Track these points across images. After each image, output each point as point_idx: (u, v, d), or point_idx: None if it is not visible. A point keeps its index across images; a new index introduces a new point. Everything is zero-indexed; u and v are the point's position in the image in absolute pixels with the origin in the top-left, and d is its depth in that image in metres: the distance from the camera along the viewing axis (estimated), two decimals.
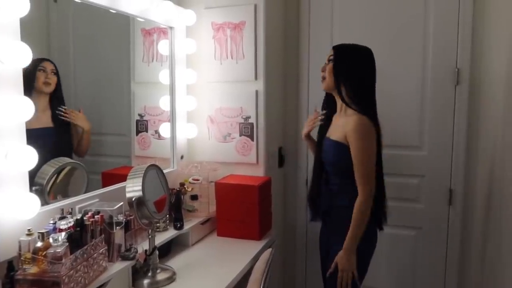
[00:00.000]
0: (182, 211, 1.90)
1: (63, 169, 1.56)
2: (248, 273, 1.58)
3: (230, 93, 2.21)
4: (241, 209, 1.96)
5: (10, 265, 1.17)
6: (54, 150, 1.58)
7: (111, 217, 1.44)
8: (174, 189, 1.91)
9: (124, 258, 1.47)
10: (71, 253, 1.21)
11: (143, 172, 1.48)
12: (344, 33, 2.36)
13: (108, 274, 1.36)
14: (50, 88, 1.56)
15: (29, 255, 1.16)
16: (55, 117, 1.60)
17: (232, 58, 2.18)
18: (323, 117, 1.84)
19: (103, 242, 1.38)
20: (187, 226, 1.90)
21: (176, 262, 1.72)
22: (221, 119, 2.24)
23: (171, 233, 1.81)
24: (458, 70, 2.20)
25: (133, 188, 1.45)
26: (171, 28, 2.12)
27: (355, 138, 1.59)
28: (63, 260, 1.16)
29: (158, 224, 1.79)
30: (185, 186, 1.98)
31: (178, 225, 1.85)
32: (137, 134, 2.11)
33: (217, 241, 1.99)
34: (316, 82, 2.33)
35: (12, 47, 1.18)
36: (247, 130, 2.19)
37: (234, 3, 2.15)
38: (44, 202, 1.40)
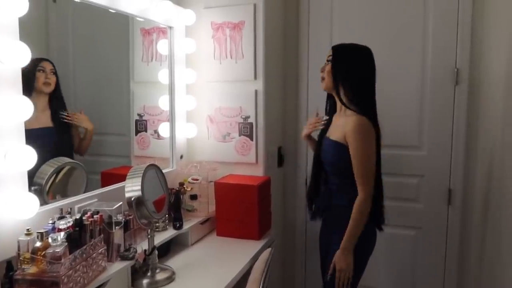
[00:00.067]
0: (182, 210, 1.90)
1: (62, 169, 1.56)
2: (248, 273, 1.59)
3: (230, 93, 2.20)
4: (241, 208, 1.96)
5: (9, 265, 1.17)
6: (54, 150, 1.58)
7: (110, 217, 1.44)
8: (173, 188, 1.91)
9: (123, 258, 1.46)
10: (70, 253, 1.20)
11: (142, 172, 1.48)
12: (343, 33, 2.36)
13: (107, 274, 1.36)
14: (50, 88, 1.56)
15: (28, 255, 1.16)
16: (54, 117, 1.60)
17: (231, 57, 2.18)
18: (325, 121, 1.84)
19: (102, 242, 1.38)
20: (186, 226, 1.90)
21: (175, 262, 1.72)
22: (220, 118, 2.24)
23: (170, 233, 1.81)
24: (457, 70, 2.20)
25: (132, 188, 1.45)
26: (170, 27, 2.12)
27: (354, 139, 1.60)
28: (62, 260, 1.16)
29: (157, 224, 1.79)
30: (184, 186, 1.98)
31: (178, 225, 1.85)
32: (136, 134, 2.11)
33: (217, 241, 1.99)
34: (315, 81, 2.33)
35: (11, 46, 1.18)
36: (247, 129, 2.19)
37: (234, 2, 2.14)
38: (43, 202, 1.39)
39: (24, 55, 1.20)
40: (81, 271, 1.24)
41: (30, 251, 1.17)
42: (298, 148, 2.55)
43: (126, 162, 2.06)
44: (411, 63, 2.28)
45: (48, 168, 1.49)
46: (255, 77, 2.15)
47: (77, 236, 1.30)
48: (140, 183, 1.45)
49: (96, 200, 1.57)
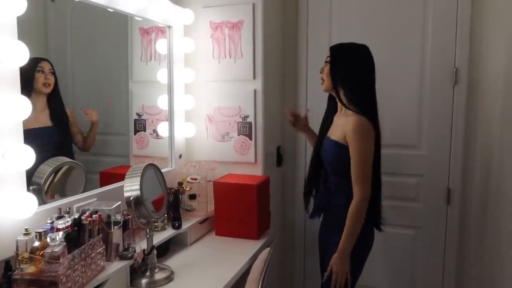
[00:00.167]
0: (180, 210, 1.90)
1: (60, 168, 1.56)
2: (247, 272, 1.59)
3: (228, 92, 2.20)
4: (240, 208, 1.96)
5: (8, 265, 1.16)
6: (53, 149, 1.58)
7: (109, 216, 1.43)
8: (172, 188, 1.91)
9: (122, 257, 1.46)
10: (68, 253, 1.20)
11: (141, 171, 1.48)
12: (342, 33, 2.36)
13: (106, 274, 1.35)
14: (49, 89, 1.56)
15: (26, 255, 1.16)
16: (53, 116, 1.60)
17: (230, 57, 2.18)
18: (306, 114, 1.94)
19: (101, 242, 1.38)
20: (185, 225, 1.89)
21: (174, 261, 1.72)
22: (219, 118, 2.23)
23: (169, 232, 1.81)
24: (456, 69, 2.21)
25: (131, 187, 1.45)
26: (169, 27, 2.12)
27: (354, 139, 1.60)
28: (61, 260, 1.16)
29: (156, 224, 1.79)
30: (183, 186, 1.97)
31: (176, 224, 1.85)
32: (135, 133, 2.11)
33: (216, 240, 1.99)
34: (314, 81, 2.34)
35: (9, 46, 1.17)
36: (246, 129, 2.18)
37: (232, 2, 2.14)
38: (42, 202, 1.39)
39: (22, 54, 1.20)
40: (79, 270, 1.24)
41: (28, 250, 1.17)
42: (297, 148, 2.55)
43: (125, 161, 2.06)
44: (410, 63, 2.28)
45: (47, 167, 1.48)
46: (254, 77, 2.15)
47: (76, 235, 1.30)
48: (139, 183, 1.45)
49: (94, 199, 1.57)
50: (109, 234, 1.43)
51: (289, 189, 2.59)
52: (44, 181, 1.46)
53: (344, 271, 1.61)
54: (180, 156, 2.24)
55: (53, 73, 1.56)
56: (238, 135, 2.20)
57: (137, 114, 2.11)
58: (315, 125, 1.93)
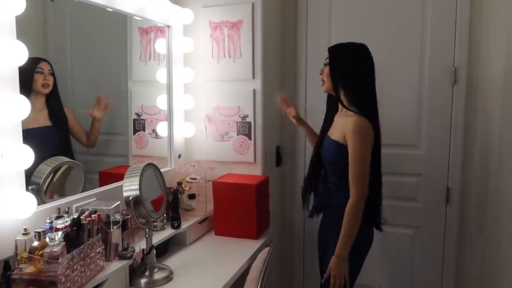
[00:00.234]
0: (180, 210, 1.90)
1: (59, 168, 1.56)
2: (246, 272, 1.59)
3: (228, 92, 2.20)
4: (239, 208, 1.96)
5: (7, 265, 1.16)
6: (52, 149, 1.58)
7: (108, 216, 1.43)
8: (171, 188, 1.91)
9: (121, 257, 1.46)
10: (67, 253, 1.20)
11: (140, 171, 1.48)
12: (341, 32, 2.36)
13: (105, 274, 1.35)
14: (48, 90, 1.56)
15: (25, 255, 1.16)
16: (52, 116, 1.60)
17: (229, 57, 2.18)
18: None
19: (100, 241, 1.37)
20: (184, 225, 1.89)
21: (173, 261, 1.72)
22: (218, 118, 2.23)
23: (168, 232, 1.81)
24: (455, 69, 2.21)
25: (130, 187, 1.45)
26: (168, 26, 2.12)
27: (352, 139, 1.60)
28: (60, 260, 1.15)
29: (155, 223, 1.79)
30: (182, 185, 1.97)
31: (176, 224, 1.85)
32: (134, 133, 2.11)
33: (215, 240, 1.99)
34: (313, 80, 2.34)
35: (8, 45, 1.17)
36: (245, 129, 2.18)
37: (232, 1, 2.14)
38: (41, 201, 1.39)
39: (21, 54, 1.20)
40: (78, 270, 1.24)
41: (27, 250, 1.16)
42: (297, 147, 2.55)
43: (124, 161, 2.06)
44: (410, 62, 2.28)
45: (46, 167, 1.48)
46: (253, 76, 2.15)
47: (75, 235, 1.29)
48: (138, 183, 1.45)
49: (94, 199, 1.57)
50: (108, 234, 1.42)
51: (289, 189, 2.59)
52: (43, 181, 1.46)
53: (342, 275, 1.60)
54: (179, 156, 2.23)
55: (52, 74, 1.56)
56: (237, 135, 2.20)
57: (136, 114, 2.11)
58: (315, 125, 1.94)
